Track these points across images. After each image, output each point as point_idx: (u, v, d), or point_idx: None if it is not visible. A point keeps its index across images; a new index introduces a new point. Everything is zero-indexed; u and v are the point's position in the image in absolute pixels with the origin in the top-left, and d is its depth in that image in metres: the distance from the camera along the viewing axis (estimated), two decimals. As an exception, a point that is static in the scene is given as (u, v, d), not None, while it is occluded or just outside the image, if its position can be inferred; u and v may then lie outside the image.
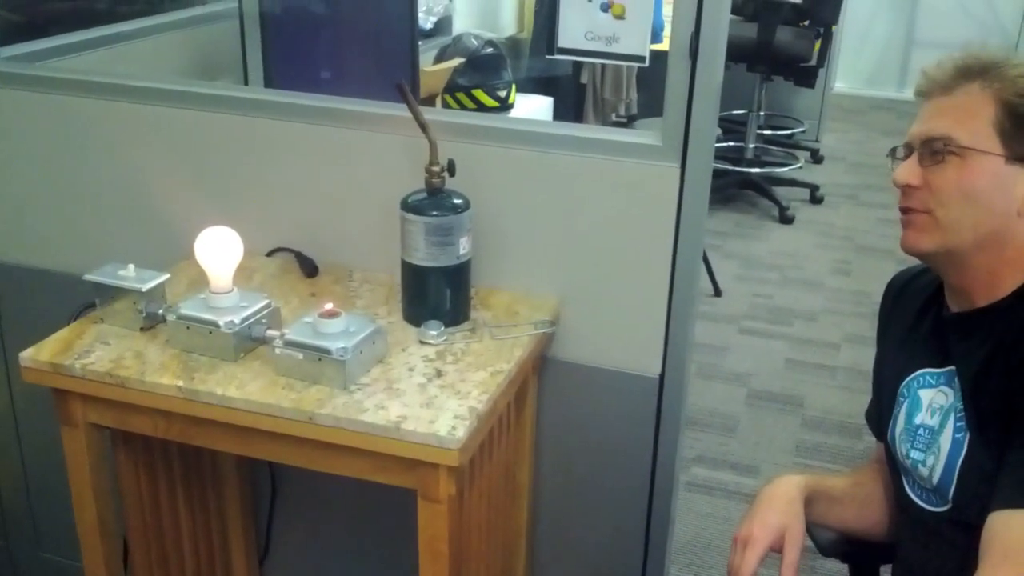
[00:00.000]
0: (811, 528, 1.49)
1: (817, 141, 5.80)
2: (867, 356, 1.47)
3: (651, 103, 4.67)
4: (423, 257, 1.45)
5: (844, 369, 3.37)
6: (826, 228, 4.67)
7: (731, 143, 5.16)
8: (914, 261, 1.44)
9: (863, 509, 1.41)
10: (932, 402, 1.28)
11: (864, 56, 6.87)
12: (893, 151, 1.27)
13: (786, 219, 4.71)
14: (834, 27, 5.04)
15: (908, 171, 1.20)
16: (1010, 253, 1.19)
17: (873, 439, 1.48)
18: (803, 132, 5.77)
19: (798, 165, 5.32)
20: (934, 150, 1.18)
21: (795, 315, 3.79)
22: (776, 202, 4.78)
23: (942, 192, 1.18)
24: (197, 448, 1.66)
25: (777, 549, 1.26)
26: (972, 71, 1.19)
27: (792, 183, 5.06)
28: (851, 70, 6.77)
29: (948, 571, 1.25)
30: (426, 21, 3.60)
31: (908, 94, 1.31)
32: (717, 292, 3.90)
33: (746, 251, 4.38)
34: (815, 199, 4.97)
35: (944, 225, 1.19)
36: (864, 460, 1.78)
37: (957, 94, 1.19)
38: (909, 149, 1.23)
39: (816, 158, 5.60)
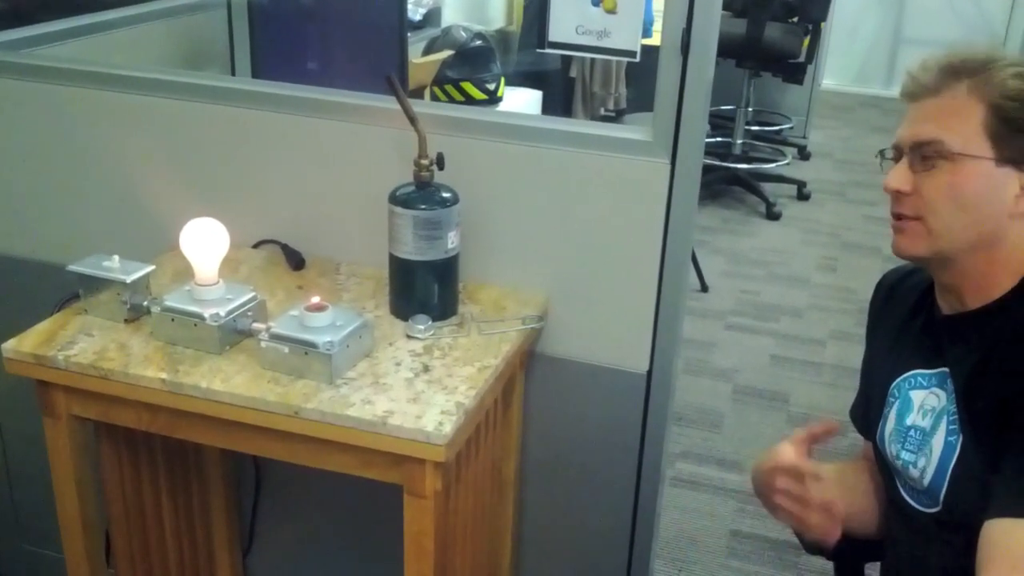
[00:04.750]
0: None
1: (804, 137, 5.81)
2: (852, 352, 1.47)
3: (640, 97, 4.67)
4: (411, 251, 1.44)
5: (830, 366, 3.38)
6: (813, 224, 4.69)
7: (719, 139, 5.17)
8: (900, 260, 1.44)
9: (849, 495, 1.40)
10: (924, 403, 1.27)
11: (852, 53, 6.89)
12: (882, 152, 1.26)
13: (773, 215, 4.72)
14: (823, 24, 5.05)
15: (899, 177, 1.19)
16: (1002, 254, 1.18)
17: (859, 436, 1.48)
18: (791, 128, 5.78)
19: (785, 161, 5.33)
20: (924, 155, 1.17)
21: (781, 311, 3.80)
22: (763, 198, 4.79)
23: (934, 200, 1.17)
24: (181, 441, 1.65)
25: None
26: (959, 72, 1.17)
27: (779, 179, 5.08)
28: (839, 67, 6.80)
29: (937, 570, 1.25)
30: (415, 13, 3.59)
31: (895, 91, 1.30)
32: (704, 288, 3.91)
33: (733, 247, 4.39)
34: (802, 195, 4.98)
35: (936, 232, 1.18)
36: (849, 457, 1.77)
37: (944, 96, 1.18)
38: (898, 152, 1.21)
39: (803, 154, 5.61)
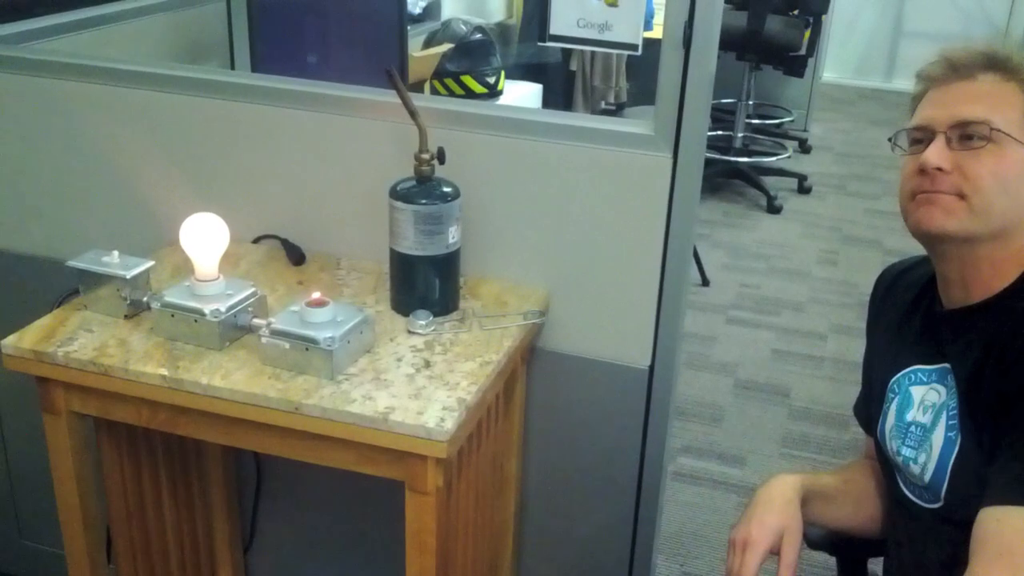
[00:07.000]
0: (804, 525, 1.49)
1: (805, 131, 5.80)
2: (853, 346, 1.47)
3: (641, 91, 4.66)
4: (412, 246, 1.44)
5: (830, 359, 3.38)
6: (813, 218, 4.68)
7: (720, 132, 5.15)
8: (902, 253, 1.43)
9: (858, 506, 1.40)
10: (924, 399, 1.27)
11: (852, 46, 6.87)
12: (896, 136, 1.25)
13: (774, 209, 4.71)
14: (823, 16, 5.03)
15: (939, 154, 1.17)
16: (1015, 246, 1.18)
17: (860, 431, 1.48)
18: (791, 121, 5.77)
19: (786, 154, 5.32)
20: (969, 134, 1.17)
21: (782, 305, 3.79)
22: (764, 191, 4.78)
23: (979, 178, 1.16)
24: (182, 437, 1.64)
25: (775, 551, 1.25)
26: (994, 62, 1.19)
27: (780, 173, 5.07)
28: (839, 60, 6.78)
29: (940, 565, 1.24)
30: (415, 6, 3.58)
31: (896, 84, 1.30)
32: (705, 282, 3.90)
33: (734, 240, 4.38)
34: (803, 189, 4.98)
35: (977, 210, 1.16)
36: (851, 451, 1.78)
37: (980, 82, 1.19)
38: (927, 134, 1.20)
39: (804, 148, 5.60)
